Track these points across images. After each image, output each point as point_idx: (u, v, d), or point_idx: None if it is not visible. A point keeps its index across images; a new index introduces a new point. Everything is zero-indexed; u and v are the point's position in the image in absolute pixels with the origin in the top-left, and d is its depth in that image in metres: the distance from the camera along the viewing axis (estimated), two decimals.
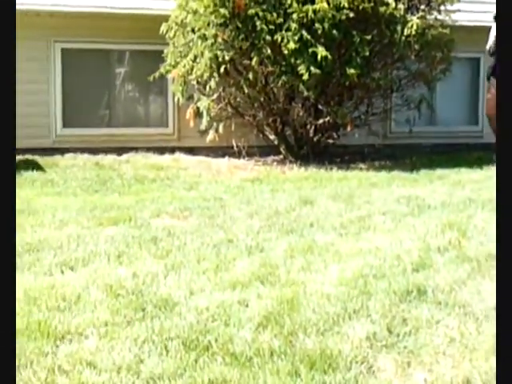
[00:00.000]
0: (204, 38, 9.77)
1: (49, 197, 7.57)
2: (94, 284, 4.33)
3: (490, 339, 3.39)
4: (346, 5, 9.56)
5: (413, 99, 11.04)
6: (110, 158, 10.52)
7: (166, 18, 10.28)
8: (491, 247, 4.80)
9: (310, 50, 9.49)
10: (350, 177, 9.13)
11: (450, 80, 11.54)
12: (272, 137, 11.06)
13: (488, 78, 9.06)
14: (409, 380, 3.17)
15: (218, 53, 9.67)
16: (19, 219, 6.04)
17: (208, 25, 9.71)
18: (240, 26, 9.68)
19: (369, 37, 9.84)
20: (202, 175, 9.50)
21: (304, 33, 9.48)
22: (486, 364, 3.20)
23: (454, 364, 3.27)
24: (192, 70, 9.94)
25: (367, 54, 9.84)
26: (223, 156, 11.03)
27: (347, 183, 8.46)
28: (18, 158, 9.94)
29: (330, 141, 11.07)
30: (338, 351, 3.36)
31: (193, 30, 9.99)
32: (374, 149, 11.82)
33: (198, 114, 10.46)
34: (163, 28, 10.24)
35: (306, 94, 9.97)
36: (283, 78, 9.83)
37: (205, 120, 10.40)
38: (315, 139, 10.91)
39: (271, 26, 9.57)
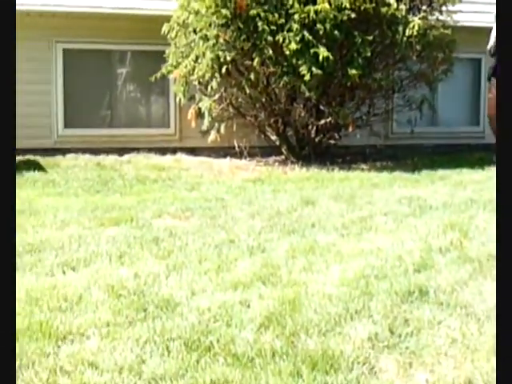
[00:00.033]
0: (206, 38, 9.78)
1: (50, 197, 7.57)
2: (95, 284, 4.33)
3: (492, 340, 3.39)
4: (348, 5, 9.57)
5: (414, 100, 11.05)
6: (111, 159, 10.52)
7: (167, 19, 10.29)
8: (493, 248, 4.79)
9: (312, 51, 9.50)
10: (352, 177, 9.13)
11: (452, 81, 11.55)
12: (274, 137, 11.07)
13: (489, 79, 9.06)
14: (410, 381, 3.17)
15: (220, 53, 9.68)
16: (21, 220, 6.04)
17: (210, 25, 9.72)
18: (242, 26, 9.69)
19: (370, 37, 9.84)
20: (204, 176, 9.50)
21: (306, 33, 9.49)
22: (488, 365, 3.20)
23: (456, 365, 3.26)
24: (194, 70, 9.95)
25: (369, 54, 9.85)
26: (225, 156, 11.03)
27: (349, 184, 8.46)
28: (20, 158, 9.95)
29: (332, 141, 11.08)
30: (340, 352, 3.36)
31: (194, 31, 10.00)
32: (375, 149, 11.82)
33: (199, 114, 10.47)
34: (165, 28, 10.25)
35: (307, 94, 9.98)
36: (285, 78, 9.84)
37: (206, 120, 10.41)
38: (317, 140, 10.91)
39: (273, 27, 9.58)
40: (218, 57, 9.68)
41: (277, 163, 10.82)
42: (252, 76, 9.95)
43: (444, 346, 3.43)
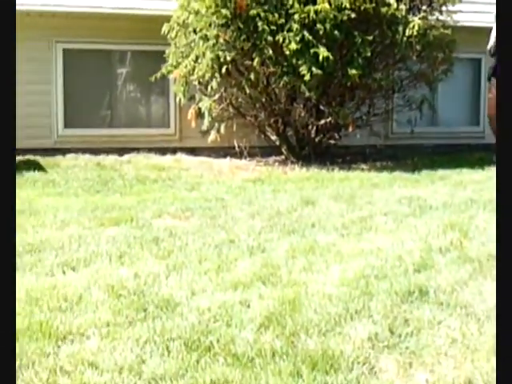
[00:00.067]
0: (206, 38, 9.78)
1: (50, 197, 7.58)
2: (95, 284, 4.33)
3: (492, 340, 3.39)
4: (348, 5, 9.57)
5: (414, 100, 11.05)
6: (111, 159, 10.52)
7: (167, 19, 10.29)
8: (493, 248, 4.79)
9: (312, 51, 9.50)
10: (352, 177, 9.13)
11: (452, 81, 11.55)
12: (274, 137, 11.07)
13: (489, 79, 9.06)
14: (410, 381, 3.17)
15: (220, 53, 9.68)
16: (21, 220, 6.04)
17: (210, 25, 9.72)
18: (242, 26, 9.69)
19: (370, 37, 9.85)
20: (204, 176, 9.50)
21: (305, 33, 9.49)
22: (488, 365, 3.20)
23: (456, 365, 3.26)
24: (194, 70, 9.95)
25: (369, 54, 9.85)
26: (225, 156, 11.04)
27: (349, 184, 8.46)
28: (20, 158, 9.95)
29: (332, 141, 11.08)
30: (340, 352, 3.36)
31: (194, 31, 10.01)
32: (375, 149, 11.82)
33: (199, 114, 10.47)
34: (165, 28, 10.25)
35: (307, 94, 9.98)
36: (285, 78, 9.84)
37: (206, 120, 10.41)
38: (317, 140, 10.91)
39: (273, 27, 9.58)
40: (217, 57, 9.68)
41: (277, 163, 10.82)
42: (252, 76, 9.95)
43: (444, 346, 3.44)
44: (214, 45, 9.71)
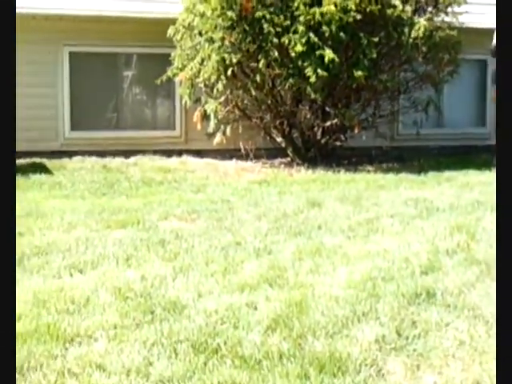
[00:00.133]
0: (211, 40, 9.79)
1: (57, 199, 7.59)
2: (102, 287, 4.34)
3: None
4: (354, 7, 9.56)
5: (420, 101, 11.04)
6: (117, 161, 10.54)
7: (173, 21, 10.30)
8: None
9: (318, 53, 9.50)
10: (358, 179, 9.12)
11: (458, 82, 11.53)
12: (279, 139, 11.07)
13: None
14: (418, 383, 3.17)
15: (226, 55, 9.68)
16: (28, 222, 6.06)
17: (215, 28, 9.72)
18: (247, 28, 9.69)
19: (376, 39, 9.84)
20: (210, 178, 9.51)
21: (311, 35, 9.49)
22: None
23: (464, 367, 3.26)
24: (199, 72, 9.95)
25: (374, 56, 9.84)
26: (230, 158, 11.04)
27: (355, 185, 8.46)
28: (26, 160, 9.98)
29: (338, 143, 11.07)
30: (347, 354, 3.36)
31: (200, 33, 10.01)
32: (381, 151, 11.80)
33: (205, 116, 10.48)
34: (170, 31, 10.27)
35: (313, 96, 9.97)
36: (290, 80, 9.84)
37: (212, 123, 10.42)
38: (322, 141, 10.91)
39: (278, 29, 9.59)
40: (223, 59, 9.69)
41: (282, 165, 10.82)
42: (258, 78, 9.95)
43: (452, 348, 3.43)
44: (219, 47, 9.72)
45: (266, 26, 9.55)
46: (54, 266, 4.79)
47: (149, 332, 3.65)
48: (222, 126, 10.54)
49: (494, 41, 8.80)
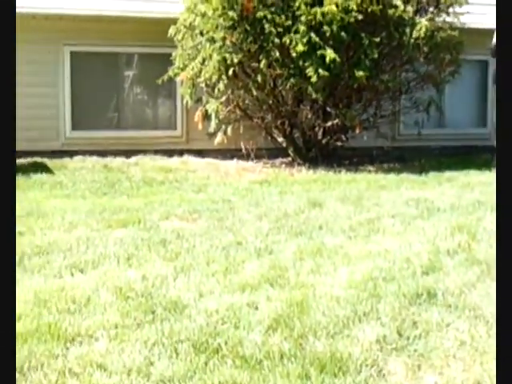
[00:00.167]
0: (212, 40, 9.79)
1: (58, 199, 7.59)
2: (103, 286, 4.34)
3: None
4: (355, 7, 9.56)
5: (421, 101, 11.04)
6: (118, 161, 10.54)
7: (173, 21, 10.30)
8: None
9: (319, 53, 9.50)
10: (359, 179, 9.12)
11: (459, 82, 11.53)
12: (280, 139, 11.07)
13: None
14: (419, 383, 3.16)
15: (227, 55, 9.68)
16: (29, 222, 6.07)
17: (216, 27, 9.72)
18: (248, 28, 9.69)
19: (377, 39, 9.84)
20: (211, 177, 9.51)
21: (312, 35, 9.49)
22: None
23: (465, 367, 3.26)
24: (200, 72, 9.95)
25: (376, 56, 9.84)
26: (232, 158, 11.04)
27: (356, 185, 8.45)
28: (27, 160, 9.99)
29: (339, 143, 11.07)
30: (348, 354, 3.36)
31: (201, 33, 10.01)
32: (382, 151, 11.80)
33: (206, 116, 10.48)
34: (171, 31, 10.26)
35: (314, 96, 9.97)
36: (291, 80, 9.84)
37: (213, 122, 10.42)
38: (324, 141, 10.91)
39: (279, 29, 9.59)
40: (224, 59, 9.69)
41: (283, 165, 10.82)
42: (259, 78, 9.95)
43: (453, 349, 3.43)
44: (220, 47, 9.72)
45: (267, 25, 9.55)
46: (54, 266, 4.80)
47: (150, 332, 3.65)
48: (223, 126, 10.55)
49: (494, 40, 8.79)
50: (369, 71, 9.84)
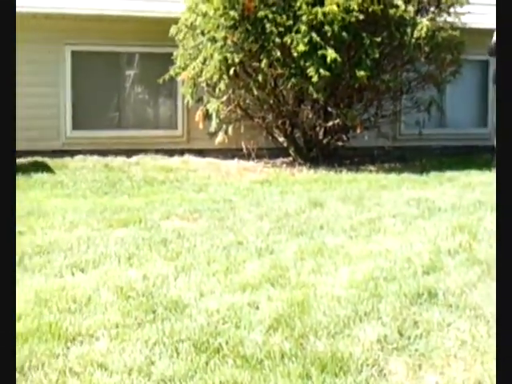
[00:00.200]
0: (213, 40, 9.79)
1: (58, 199, 7.59)
2: (104, 286, 4.34)
3: None
4: (356, 7, 9.56)
5: (422, 101, 11.03)
6: (119, 160, 10.54)
7: (175, 21, 10.30)
8: None
9: (320, 53, 9.49)
10: (360, 179, 9.12)
11: (460, 82, 11.52)
12: (281, 139, 11.07)
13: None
14: (420, 383, 3.16)
15: (228, 55, 9.68)
16: (29, 221, 6.07)
17: (217, 27, 9.72)
18: (249, 28, 9.69)
19: (378, 39, 9.83)
20: (212, 177, 9.51)
21: (313, 35, 9.48)
22: None
23: (466, 367, 3.26)
24: (201, 72, 9.96)
25: (377, 56, 9.84)
26: (232, 158, 11.03)
27: (357, 185, 8.45)
28: (28, 160, 9.99)
29: (340, 143, 11.06)
30: (349, 354, 3.36)
31: (202, 33, 10.01)
32: (383, 151, 11.79)
33: (207, 116, 10.48)
34: (173, 30, 10.27)
35: (315, 96, 9.96)
36: (292, 80, 9.84)
37: (214, 122, 10.42)
38: (324, 141, 10.91)
39: (281, 29, 9.58)
40: (225, 59, 9.69)
41: (284, 165, 10.82)
42: (260, 78, 9.95)
43: (454, 348, 3.43)
44: (221, 47, 9.72)
45: (268, 25, 9.55)
46: (55, 265, 4.80)
47: (150, 331, 3.65)
48: (224, 126, 10.55)
49: (494, 39, 8.79)
50: (370, 71, 9.84)
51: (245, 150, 10.99)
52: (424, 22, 10.03)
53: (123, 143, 11.22)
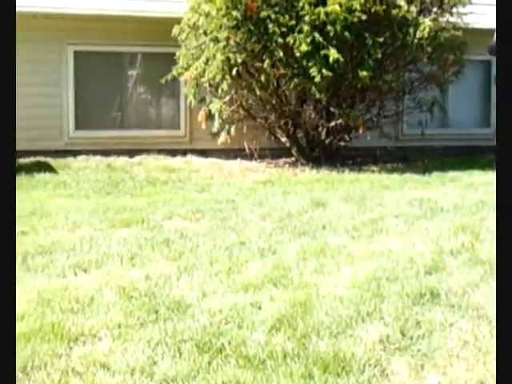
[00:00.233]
0: (216, 40, 9.80)
1: (61, 199, 7.60)
2: (107, 286, 4.34)
3: None
4: (358, 7, 9.55)
5: (425, 101, 11.03)
6: (122, 160, 10.55)
7: (178, 21, 10.30)
8: None
9: (322, 53, 9.49)
10: (362, 179, 9.12)
11: (462, 82, 11.51)
12: (284, 139, 11.07)
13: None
14: (423, 383, 3.16)
15: (230, 55, 9.68)
16: (32, 221, 6.08)
17: (220, 27, 9.73)
18: (252, 28, 9.69)
19: (381, 39, 9.83)
20: (214, 177, 9.51)
21: (316, 35, 9.48)
22: None
23: (468, 367, 3.26)
24: (204, 72, 9.96)
25: (379, 56, 9.84)
26: (235, 158, 11.04)
27: (359, 185, 8.45)
28: (30, 160, 10.00)
29: (342, 143, 11.06)
30: (352, 354, 3.36)
31: (205, 33, 10.02)
32: (386, 151, 11.79)
33: (209, 116, 10.48)
34: (175, 30, 10.27)
35: (317, 96, 9.96)
36: (295, 80, 9.84)
37: (217, 122, 10.42)
38: (327, 141, 10.91)
39: (283, 29, 9.58)
40: (228, 59, 9.69)
41: (287, 165, 10.82)
42: (262, 78, 9.95)
43: (456, 349, 3.43)
44: (224, 47, 9.72)
45: (270, 25, 9.55)
46: (58, 265, 4.80)
47: (153, 331, 3.65)
48: (227, 126, 10.55)
49: (494, 38, 8.78)
50: (372, 71, 9.84)
51: (247, 150, 10.99)
52: (426, 23, 10.03)
53: (126, 143, 11.23)
